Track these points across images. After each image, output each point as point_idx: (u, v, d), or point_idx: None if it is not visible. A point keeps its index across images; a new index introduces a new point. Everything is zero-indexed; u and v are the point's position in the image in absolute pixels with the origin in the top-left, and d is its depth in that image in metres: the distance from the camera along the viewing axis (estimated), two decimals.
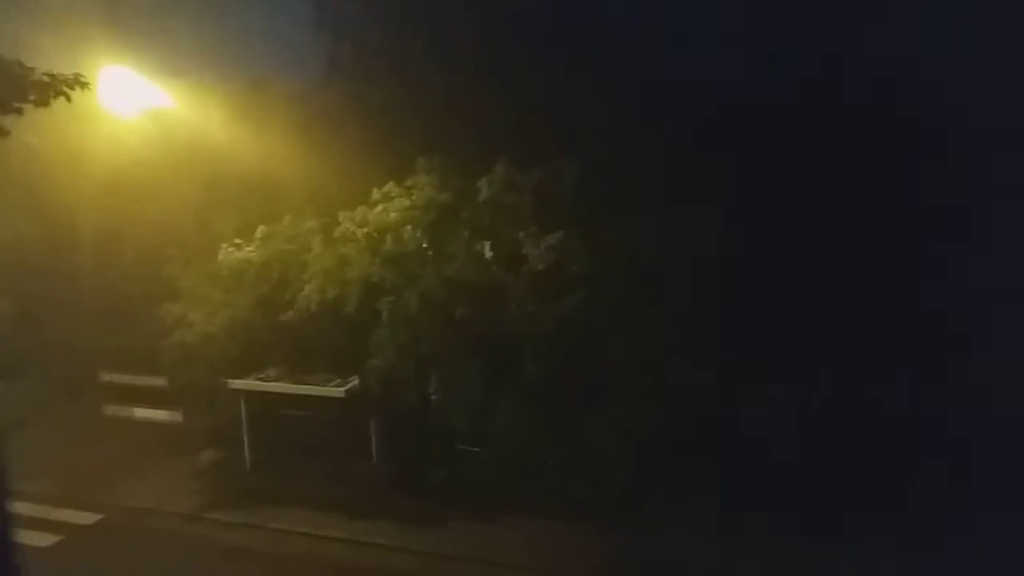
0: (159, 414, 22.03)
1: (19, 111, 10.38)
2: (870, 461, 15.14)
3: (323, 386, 18.17)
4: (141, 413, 22.25)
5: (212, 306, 18.84)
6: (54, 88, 10.51)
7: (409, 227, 17.47)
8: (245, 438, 19.42)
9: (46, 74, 10.52)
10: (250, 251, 18.84)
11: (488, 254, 17.25)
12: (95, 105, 18.93)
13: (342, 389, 17.92)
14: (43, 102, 10.45)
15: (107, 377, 22.79)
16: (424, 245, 17.54)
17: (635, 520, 15.84)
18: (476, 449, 17.37)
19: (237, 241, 19.09)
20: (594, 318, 16.11)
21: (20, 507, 17.98)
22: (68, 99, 10.65)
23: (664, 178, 16.32)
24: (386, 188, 17.73)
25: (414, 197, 17.56)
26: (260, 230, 18.87)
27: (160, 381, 21.70)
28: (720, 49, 16.18)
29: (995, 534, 13.31)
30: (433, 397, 16.80)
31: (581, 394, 16.45)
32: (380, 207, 17.66)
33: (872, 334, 15.53)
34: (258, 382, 18.78)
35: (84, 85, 10.80)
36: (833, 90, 15.87)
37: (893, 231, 15.69)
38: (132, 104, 20.22)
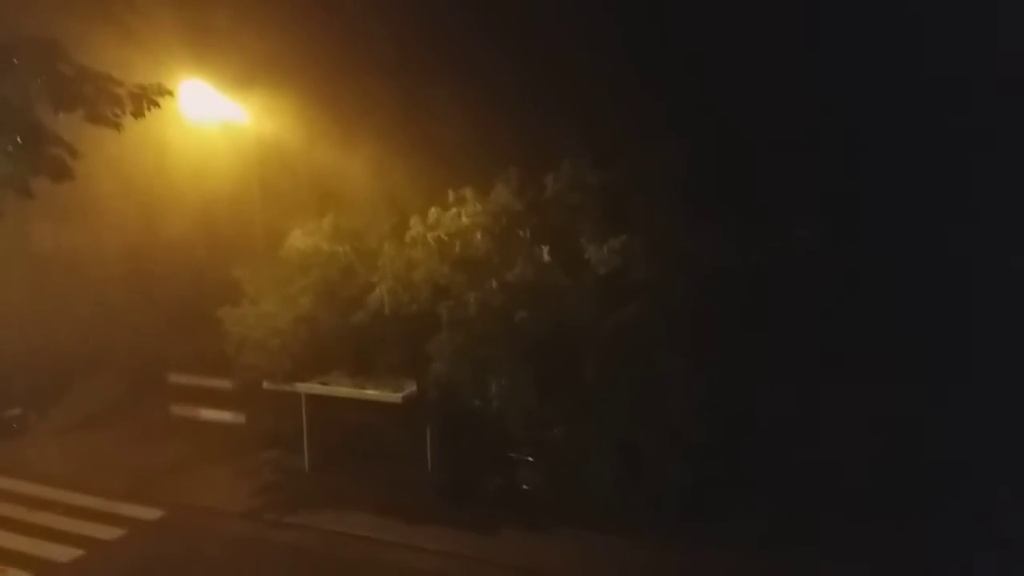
0: (223, 415, 22.53)
1: (118, 126, 10.83)
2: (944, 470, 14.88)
3: (381, 391, 18.35)
4: (206, 414, 22.78)
5: (277, 303, 19.13)
6: (148, 99, 10.92)
7: (479, 233, 17.58)
8: (305, 440, 19.74)
9: (137, 86, 10.92)
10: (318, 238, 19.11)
11: (546, 258, 17.14)
12: (174, 116, 19.59)
13: (399, 395, 18.05)
14: (138, 113, 10.87)
15: (174, 378, 23.45)
16: (490, 250, 17.62)
17: (691, 534, 15.58)
18: (530, 458, 17.30)
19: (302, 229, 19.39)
20: (655, 326, 15.86)
21: (88, 500, 18.80)
22: (158, 107, 11.05)
23: (737, 185, 16.05)
24: (461, 192, 17.89)
25: (488, 203, 17.64)
26: (327, 220, 19.20)
27: (225, 383, 22.22)
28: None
29: None
30: (493, 403, 16.78)
31: (640, 404, 16.18)
32: (453, 211, 17.82)
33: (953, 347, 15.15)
34: (317, 385, 19.05)
35: (169, 93, 11.18)
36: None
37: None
38: (208, 115, 20.81)
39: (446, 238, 17.71)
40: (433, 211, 17.89)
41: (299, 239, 19.33)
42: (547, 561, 15.38)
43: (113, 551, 16.33)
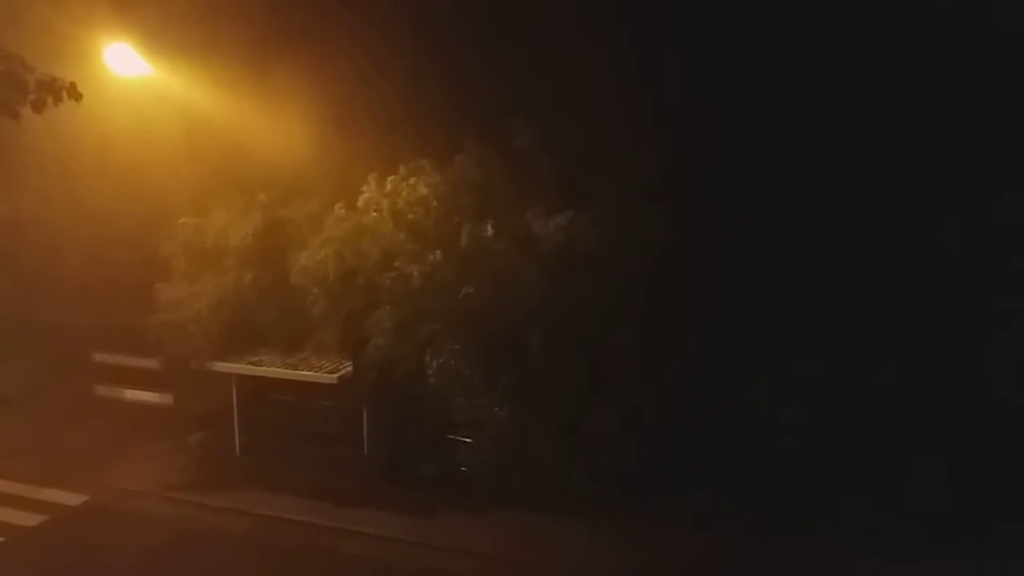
0: (150, 396, 21.81)
1: (17, 115, 10.43)
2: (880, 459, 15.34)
3: (315, 372, 18.00)
4: (132, 395, 22.04)
5: (204, 282, 18.72)
6: (54, 93, 10.55)
7: (435, 203, 17.03)
8: (235, 422, 19.30)
9: (48, 75, 10.52)
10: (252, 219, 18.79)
11: (490, 232, 16.74)
12: (98, 81, 18.80)
13: (334, 376, 17.75)
14: (40, 107, 10.48)
15: (98, 357, 22.64)
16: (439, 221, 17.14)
17: (630, 516, 15.73)
18: (468, 440, 17.23)
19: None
20: (601, 303, 15.81)
21: (7, 485, 18.06)
22: (57, 102, 10.68)
23: (690, 167, 16.08)
24: (419, 163, 17.34)
25: (449, 173, 17.21)
26: (259, 198, 18.90)
27: (152, 363, 21.53)
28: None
29: None
30: (431, 380, 16.58)
31: (583, 383, 16.16)
32: (412, 179, 17.27)
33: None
34: (248, 366, 18.58)
35: (80, 96, 10.85)
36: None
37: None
38: (134, 80, 20.01)
39: (403, 206, 17.13)
40: (391, 179, 17.36)
41: (226, 213, 18.90)
42: (483, 543, 15.39)
43: (33, 537, 15.76)
